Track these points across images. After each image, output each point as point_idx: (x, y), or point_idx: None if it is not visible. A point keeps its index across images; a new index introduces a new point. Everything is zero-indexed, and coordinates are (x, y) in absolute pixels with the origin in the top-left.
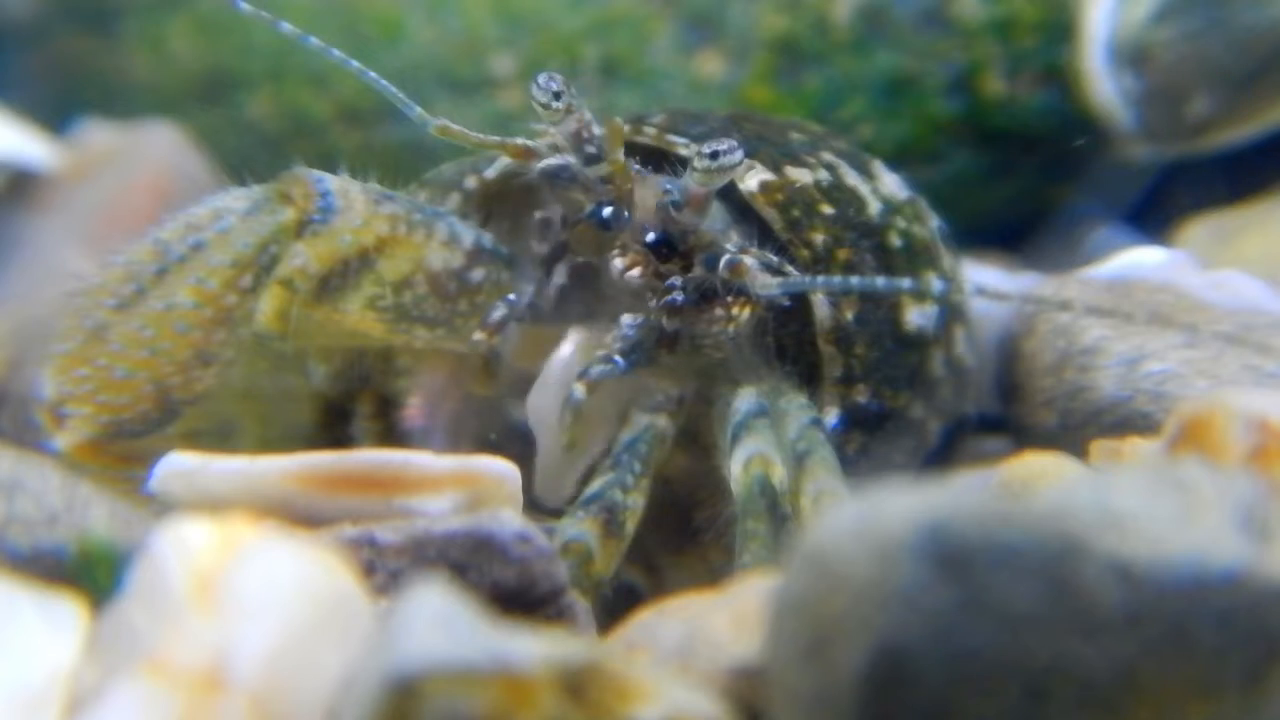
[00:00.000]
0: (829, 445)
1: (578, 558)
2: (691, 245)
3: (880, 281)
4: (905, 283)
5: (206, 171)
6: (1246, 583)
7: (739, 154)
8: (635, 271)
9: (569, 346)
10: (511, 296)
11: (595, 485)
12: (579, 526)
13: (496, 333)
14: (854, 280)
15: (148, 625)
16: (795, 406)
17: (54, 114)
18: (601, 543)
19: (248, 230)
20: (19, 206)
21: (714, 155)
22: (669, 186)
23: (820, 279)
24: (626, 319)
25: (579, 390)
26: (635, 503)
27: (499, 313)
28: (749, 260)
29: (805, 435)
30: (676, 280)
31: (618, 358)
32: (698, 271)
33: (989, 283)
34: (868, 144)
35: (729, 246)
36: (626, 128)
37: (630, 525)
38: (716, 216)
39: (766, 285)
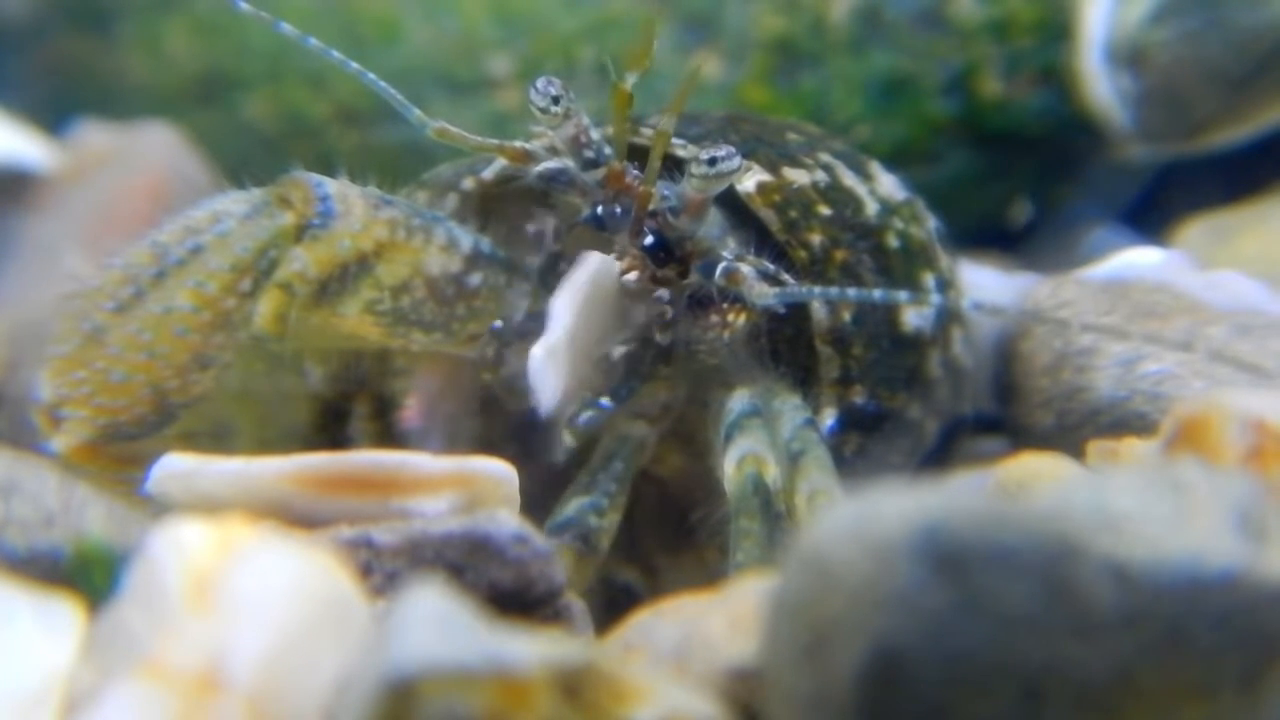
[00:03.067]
0: (823, 445)
1: None
2: (688, 251)
3: (877, 294)
4: (903, 295)
5: (204, 173)
6: (1243, 583)
7: (737, 160)
8: (632, 275)
9: (586, 274)
10: (497, 324)
11: (569, 508)
12: None
13: (499, 366)
14: (851, 291)
15: (144, 627)
16: (789, 407)
17: (51, 115)
18: (576, 567)
19: (246, 234)
20: (16, 208)
21: (712, 162)
22: (666, 192)
23: (817, 289)
24: (617, 350)
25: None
26: (611, 522)
27: (491, 348)
28: (745, 269)
29: (799, 435)
30: (664, 294)
31: (604, 400)
32: (694, 278)
33: (986, 283)
34: (865, 145)
35: (725, 254)
36: None
37: (606, 542)
38: (714, 221)
39: (763, 295)
